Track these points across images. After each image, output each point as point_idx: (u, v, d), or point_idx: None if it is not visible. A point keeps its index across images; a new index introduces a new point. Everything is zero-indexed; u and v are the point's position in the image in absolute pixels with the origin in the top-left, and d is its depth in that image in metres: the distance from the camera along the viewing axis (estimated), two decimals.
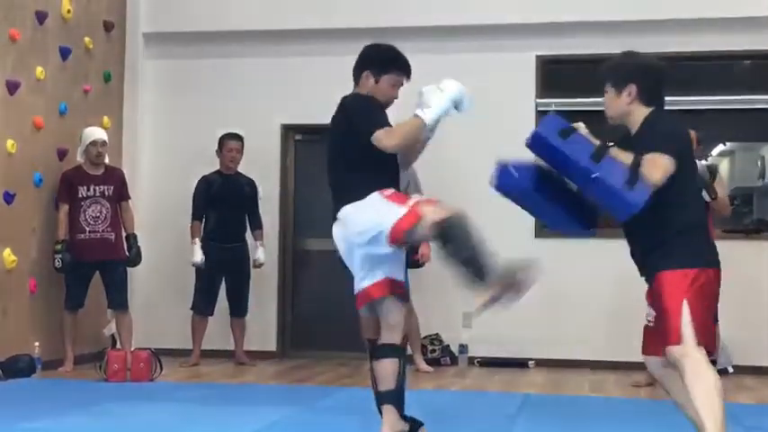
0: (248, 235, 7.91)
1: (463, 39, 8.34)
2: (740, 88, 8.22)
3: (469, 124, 8.28)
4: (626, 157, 3.70)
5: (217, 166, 7.86)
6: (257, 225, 7.93)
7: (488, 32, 8.31)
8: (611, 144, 3.79)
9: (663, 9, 7.84)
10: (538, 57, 8.30)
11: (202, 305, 7.74)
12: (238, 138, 7.83)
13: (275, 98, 8.62)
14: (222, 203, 7.70)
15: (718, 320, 6.63)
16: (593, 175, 3.66)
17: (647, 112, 3.86)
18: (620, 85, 3.88)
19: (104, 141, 7.38)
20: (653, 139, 3.76)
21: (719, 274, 3.87)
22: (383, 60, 4.47)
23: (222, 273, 7.75)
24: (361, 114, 4.32)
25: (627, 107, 3.88)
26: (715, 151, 9.13)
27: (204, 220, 7.74)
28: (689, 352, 3.67)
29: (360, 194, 4.23)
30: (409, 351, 7.87)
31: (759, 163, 8.67)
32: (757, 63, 8.33)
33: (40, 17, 7.35)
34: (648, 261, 3.84)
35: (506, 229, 8.18)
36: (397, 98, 4.47)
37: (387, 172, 4.36)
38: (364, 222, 4.17)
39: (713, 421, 3.61)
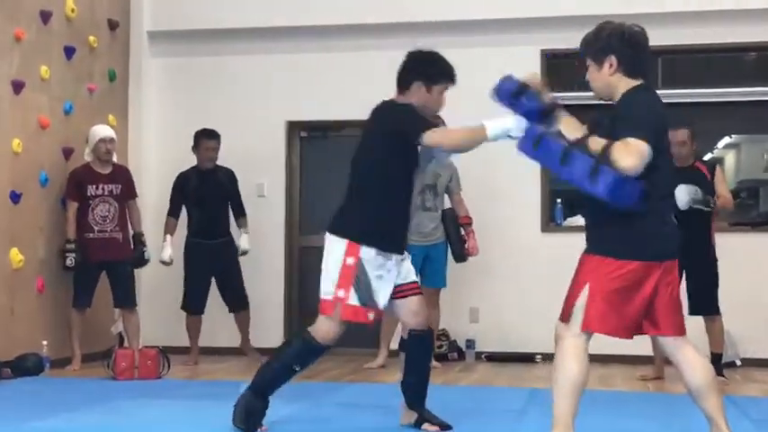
0: (234, 230, 7.88)
1: (468, 33, 8.33)
2: (746, 80, 8.22)
3: (474, 120, 8.28)
4: (599, 146, 3.60)
5: (225, 164, 7.86)
6: (240, 213, 7.85)
7: (493, 27, 8.31)
8: (587, 135, 3.67)
9: (668, 2, 7.84)
10: (543, 51, 8.30)
11: (193, 303, 7.73)
12: (214, 136, 7.74)
13: (281, 95, 8.63)
14: (202, 200, 7.67)
15: (718, 312, 6.63)
16: (564, 178, 3.69)
17: (631, 84, 3.73)
18: (600, 58, 3.76)
19: (112, 138, 7.39)
20: (628, 120, 3.63)
21: (654, 268, 3.64)
22: (436, 71, 4.55)
23: (211, 269, 7.73)
24: (411, 114, 4.42)
25: (610, 79, 3.75)
26: (721, 144, 9.13)
27: (188, 217, 7.74)
28: (567, 336, 3.72)
29: (369, 201, 4.41)
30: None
31: (765, 156, 8.66)
32: (763, 55, 8.31)
33: (45, 16, 7.36)
34: (588, 237, 3.81)
35: (514, 225, 8.23)
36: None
37: (405, 184, 4.50)
38: (323, 267, 4.48)
39: (560, 414, 3.67)
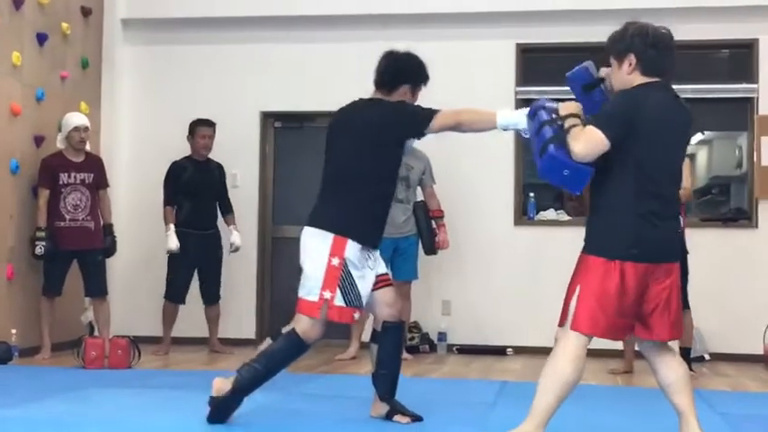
0: (220, 222, 7.90)
1: (443, 26, 8.35)
2: (718, 77, 8.27)
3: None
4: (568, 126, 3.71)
5: None
6: (228, 210, 7.91)
7: (468, 20, 8.32)
8: (573, 114, 3.74)
9: None
10: (518, 45, 8.32)
11: (177, 293, 7.71)
12: (210, 124, 7.82)
13: (255, 85, 8.60)
14: (195, 190, 7.67)
15: (687, 307, 6.69)
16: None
17: (643, 81, 3.75)
18: (621, 56, 3.79)
19: (87, 127, 7.35)
20: (601, 113, 3.72)
21: (641, 268, 3.63)
22: (422, 77, 4.65)
23: (196, 260, 7.72)
24: (413, 113, 4.50)
25: (628, 77, 3.77)
26: (693, 140, 9.18)
27: (178, 207, 7.70)
28: (566, 337, 3.71)
29: (358, 196, 4.43)
30: None
31: (737, 152, 8.72)
32: (735, 52, 8.37)
33: (17, 2, 7.28)
34: (585, 232, 3.83)
35: (487, 218, 8.25)
36: None
37: (392, 180, 4.57)
38: (305, 267, 4.44)
39: (539, 409, 3.69)
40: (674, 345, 3.95)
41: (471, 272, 8.24)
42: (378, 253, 4.60)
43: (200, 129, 7.77)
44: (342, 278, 4.36)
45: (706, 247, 7.59)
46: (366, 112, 4.55)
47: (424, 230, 7.32)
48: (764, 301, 7.81)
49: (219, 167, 7.91)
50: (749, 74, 8.14)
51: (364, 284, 4.46)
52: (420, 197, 7.51)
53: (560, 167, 3.62)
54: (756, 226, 8.03)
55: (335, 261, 4.36)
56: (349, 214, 4.42)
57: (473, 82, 8.17)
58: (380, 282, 4.57)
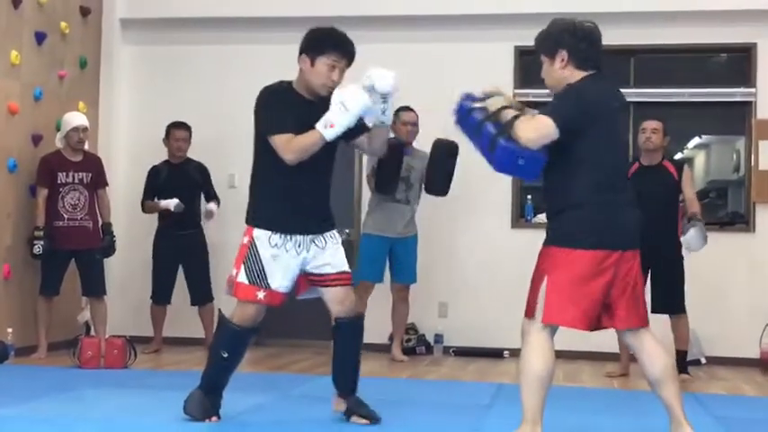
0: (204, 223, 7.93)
1: (441, 29, 8.35)
2: (716, 81, 8.27)
3: (447, 116, 8.32)
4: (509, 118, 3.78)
5: (196, 154, 7.87)
6: (212, 199, 7.90)
7: (466, 22, 8.32)
8: (505, 107, 3.87)
9: (640, 1, 7.87)
10: (516, 47, 8.32)
11: (161, 293, 7.76)
12: (185, 127, 7.84)
13: (253, 85, 8.52)
14: (171, 193, 7.68)
15: (684, 311, 6.70)
16: (478, 149, 3.90)
17: (581, 76, 3.80)
18: (552, 53, 3.85)
19: (86, 127, 7.35)
20: (551, 102, 3.80)
21: (609, 257, 3.67)
22: (319, 41, 4.45)
23: (179, 260, 7.77)
24: (262, 112, 4.50)
25: (561, 73, 3.83)
26: (691, 144, 9.19)
27: None
28: (531, 331, 3.77)
29: (256, 191, 4.54)
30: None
31: (734, 156, 8.72)
32: (733, 56, 8.38)
33: (16, 1, 7.28)
34: (547, 228, 3.87)
35: (484, 220, 8.25)
36: (337, 83, 4.41)
37: (295, 167, 4.36)
38: None
39: (527, 409, 3.71)
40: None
41: (468, 274, 8.23)
42: (333, 247, 4.47)
43: (174, 131, 7.80)
44: (247, 255, 4.38)
45: (703, 250, 7.58)
46: None
47: (437, 165, 7.15)
48: (761, 305, 7.81)
49: (200, 167, 7.89)
50: (747, 78, 8.14)
51: (277, 266, 4.36)
52: (424, 197, 7.49)
53: (515, 157, 3.70)
54: (753, 230, 8.04)
55: (245, 240, 4.43)
56: (251, 204, 4.54)
57: (471, 84, 8.10)
58: (334, 280, 4.48)
